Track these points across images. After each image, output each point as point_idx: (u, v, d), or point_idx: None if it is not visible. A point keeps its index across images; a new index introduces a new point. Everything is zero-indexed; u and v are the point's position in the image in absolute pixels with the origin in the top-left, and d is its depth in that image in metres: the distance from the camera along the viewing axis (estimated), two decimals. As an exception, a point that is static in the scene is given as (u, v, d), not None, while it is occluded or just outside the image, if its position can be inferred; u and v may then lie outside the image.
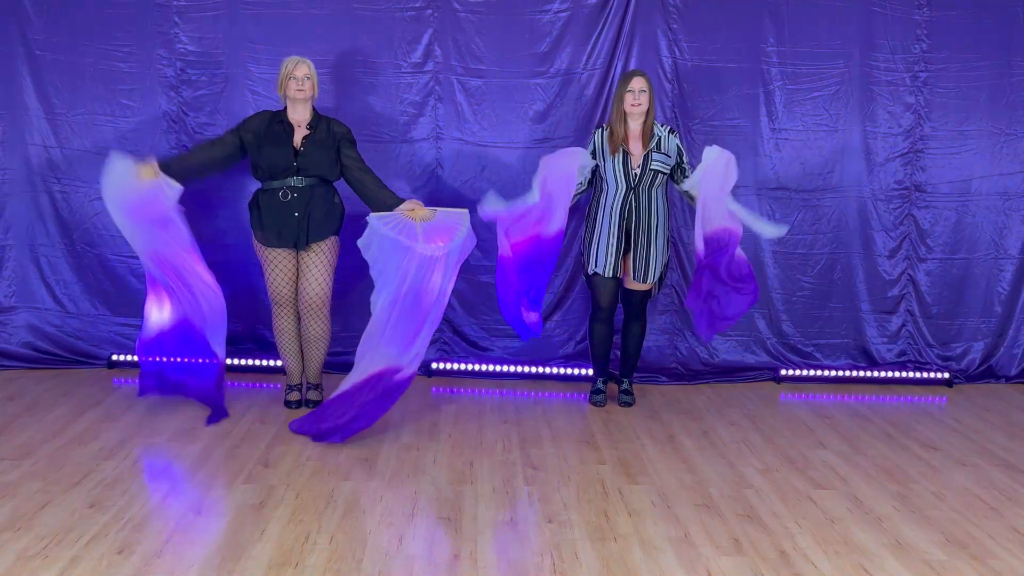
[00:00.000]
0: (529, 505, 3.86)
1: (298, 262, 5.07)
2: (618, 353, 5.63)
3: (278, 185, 4.96)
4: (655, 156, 5.14)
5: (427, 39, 5.76)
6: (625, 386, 5.50)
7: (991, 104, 5.97)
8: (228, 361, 5.89)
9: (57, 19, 5.68)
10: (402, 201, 4.92)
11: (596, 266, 5.20)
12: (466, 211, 4.95)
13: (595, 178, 5.25)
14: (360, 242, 4.82)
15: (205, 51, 5.72)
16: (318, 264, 5.04)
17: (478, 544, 3.46)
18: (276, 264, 5.04)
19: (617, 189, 5.14)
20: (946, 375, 6.08)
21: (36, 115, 5.75)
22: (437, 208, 4.95)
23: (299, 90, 4.93)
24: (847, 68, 5.89)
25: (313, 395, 5.24)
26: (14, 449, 4.36)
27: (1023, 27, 5.91)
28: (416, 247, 4.72)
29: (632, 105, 5.10)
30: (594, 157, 5.17)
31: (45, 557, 3.25)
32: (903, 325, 6.16)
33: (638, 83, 5.11)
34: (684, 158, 5.23)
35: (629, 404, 5.42)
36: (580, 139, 5.80)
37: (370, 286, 5.93)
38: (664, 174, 5.17)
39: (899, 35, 5.89)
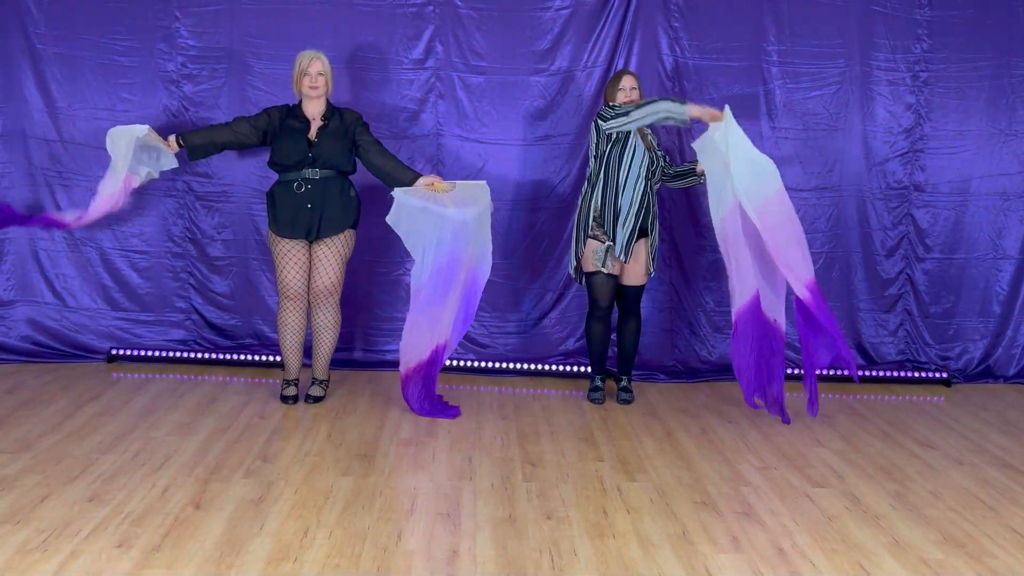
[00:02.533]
0: (527, 502, 3.86)
1: (310, 253, 5.08)
2: (615, 351, 5.64)
3: (293, 177, 5.00)
4: (658, 152, 5.22)
5: (428, 35, 5.76)
6: (624, 384, 5.51)
7: (991, 104, 5.98)
8: (226, 356, 5.91)
9: (58, 13, 5.68)
10: (420, 175, 5.03)
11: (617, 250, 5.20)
12: (484, 182, 5.11)
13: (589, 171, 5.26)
14: (389, 218, 4.94)
15: (206, 46, 5.73)
16: (330, 255, 5.06)
17: (476, 540, 3.46)
18: (288, 256, 5.04)
19: (636, 177, 5.18)
20: (944, 375, 6.09)
21: (37, 108, 5.75)
22: (456, 181, 5.02)
23: (312, 87, 4.99)
24: (847, 67, 5.89)
25: (316, 391, 5.24)
26: (13, 443, 4.37)
27: (1023, 27, 5.92)
28: (447, 212, 4.87)
29: (624, 103, 5.13)
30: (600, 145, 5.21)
31: (44, 550, 3.25)
32: (901, 324, 6.17)
33: (628, 81, 5.19)
34: (667, 161, 5.38)
35: (628, 402, 5.42)
36: (581, 136, 5.81)
37: (372, 281, 5.96)
38: (662, 167, 5.29)
39: (900, 35, 5.90)
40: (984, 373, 6.20)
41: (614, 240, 5.17)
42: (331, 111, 5.09)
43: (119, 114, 5.72)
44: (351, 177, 5.16)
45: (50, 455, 4.21)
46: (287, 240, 5.03)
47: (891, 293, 6.13)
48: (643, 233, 5.24)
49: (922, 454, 4.67)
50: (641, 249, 5.26)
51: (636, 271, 5.28)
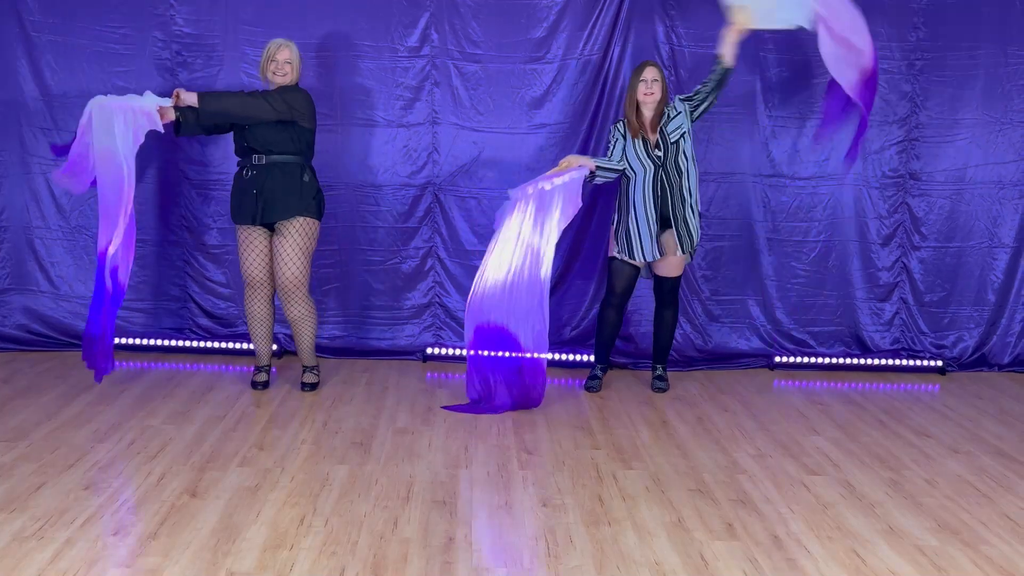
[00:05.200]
0: (524, 489, 3.87)
1: (271, 245, 5.08)
2: (619, 342, 5.67)
3: (243, 164, 5.06)
4: (668, 129, 5.14)
5: (424, 23, 5.74)
6: (659, 372, 5.51)
7: (986, 93, 5.97)
8: (222, 345, 5.91)
9: (53, 0, 5.65)
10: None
11: (640, 254, 5.18)
12: None
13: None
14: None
15: (201, 33, 5.70)
16: (288, 247, 5.02)
17: (473, 527, 3.47)
18: (246, 242, 5.08)
19: (645, 174, 5.15)
20: (939, 363, 6.10)
21: (31, 96, 5.73)
22: None
23: (275, 73, 4.99)
24: (844, 55, 5.88)
25: (309, 378, 5.25)
26: (9, 431, 4.37)
27: (1019, 16, 5.90)
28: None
29: (645, 95, 5.13)
30: (621, 147, 5.19)
31: (40, 538, 3.25)
32: (897, 313, 6.17)
33: (650, 73, 5.14)
34: (695, 94, 5.21)
35: (663, 390, 5.43)
36: (576, 125, 5.80)
37: (368, 270, 5.97)
38: (685, 133, 5.14)
39: (896, 23, 5.88)
40: (979, 361, 6.21)
41: (638, 253, 5.20)
42: None
43: (114, 102, 5.71)
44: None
45: (46, 443, 4.21)
46: (244, 227, 5.08)
47: (887, 282, 6.13)
48: (666, 223, 5.21)
49: (917, 442, 4.69)
50: (669, 240, 5.24)
51: (670, 263, 5.26)
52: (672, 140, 5.13)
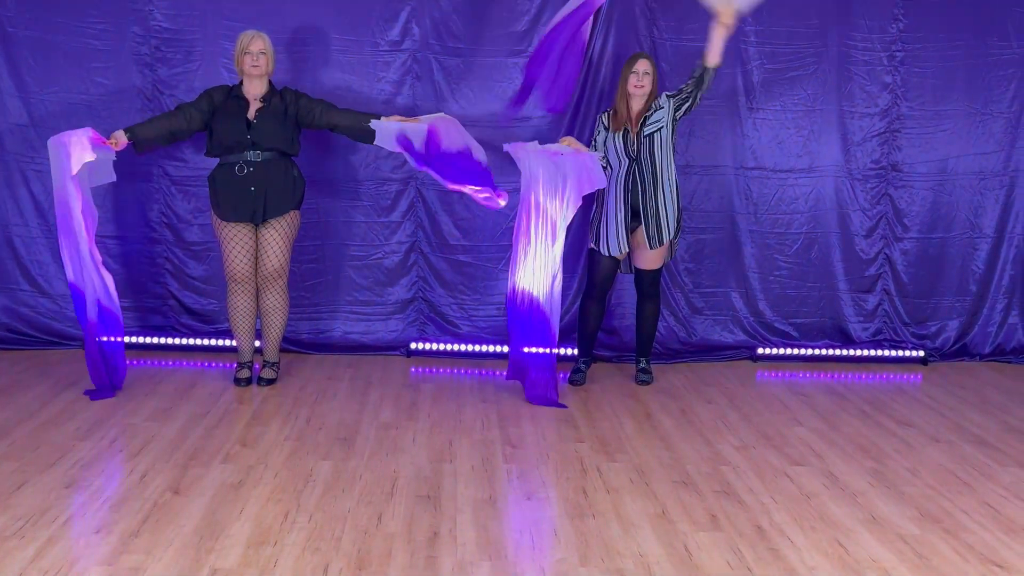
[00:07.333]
0: (508, 483, 3.87)
1: (256, 236, 5.06)
2: (603, 335, 5.67)
3: (234, 159, 4.99)
4: (647, 124, 5.13)
5: (404, 17, 5.72)
6: (643, 365, 5.52)
7: (967, 84, 5.99)
8: (206, 342, 5.89)
9: (30, -4, 5.62)
10: (376, 116, 5.20)
11: (607, 248, 5.22)
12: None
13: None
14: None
15: (180, 29, 5.67)
16: (276, 238, 5.05)
17: (457, 522, 3.47)
18: (234, 239, 5.05)
19: (619, 165, 5.18)
20: (921, 353, 6.13)
21: (9, 93, 5.68)
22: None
23: (254, 66, 4.99)
24: (824, 48, 5.89)
25: (268, 373, 5.26)
26: (-10, 430, 4.35)
27: (1000, 7, 5.92)
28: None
29: (635, 87, 5.13)
30: (603, 138, 5.24)
31: (22, 537, 3.23)
32: (879, 304, 6.19)
33: (642, 65, 5.14)
34: (679, 92, 5.16)
35: (647, 382, 5.44)
36: (557, 118, 5.78)
37: (351, 264, 5.95)
38: (661, 129, 5.11)
39: (876, 14, 5.90)
40: (961, 351, 6.24)
41: (605, 246, 5.23)
42: (271, 92, 5.08)
43: (93, 98, 5.67)
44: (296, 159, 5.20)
45: (27, 442, 4.19)
46: (232, 224, 5.04)
47: (869, 273, 6.15)
48: (637, 217, 5.22)
49: (899, 432, 4.71)
50: (639, 234, 5.24)
51: (648, 256, 5.26)
52: (646, 134, 5.12)
